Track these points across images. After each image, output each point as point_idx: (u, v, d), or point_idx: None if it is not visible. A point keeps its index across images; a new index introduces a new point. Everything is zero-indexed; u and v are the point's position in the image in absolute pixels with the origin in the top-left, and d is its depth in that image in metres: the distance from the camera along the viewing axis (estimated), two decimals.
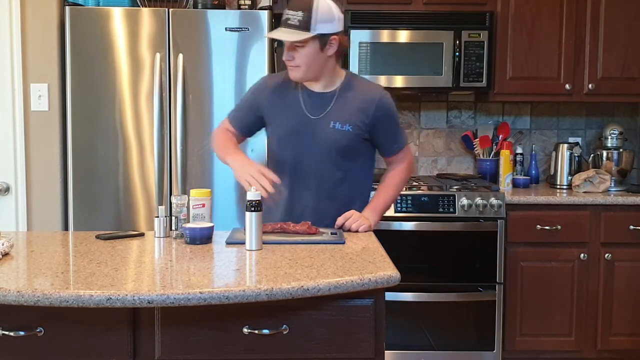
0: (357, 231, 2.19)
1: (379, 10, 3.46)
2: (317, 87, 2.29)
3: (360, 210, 2.30)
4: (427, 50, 3.47)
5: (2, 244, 1.80)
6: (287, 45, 2.20)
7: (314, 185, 2.29)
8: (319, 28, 2.16)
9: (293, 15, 2.14)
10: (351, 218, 2.22)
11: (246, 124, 2.39)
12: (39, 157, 3.16)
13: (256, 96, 2.36)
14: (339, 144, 2.25)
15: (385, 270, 1.68)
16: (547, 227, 3.28)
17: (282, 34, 2.17)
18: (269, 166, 2.30)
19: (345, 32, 2.32)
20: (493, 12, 3.50)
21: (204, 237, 2.00)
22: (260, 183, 2.04)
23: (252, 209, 1.90)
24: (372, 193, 2.41)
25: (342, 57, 2.29)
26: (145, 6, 3.12)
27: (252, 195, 1.93)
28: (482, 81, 3.49)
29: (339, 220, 2.22)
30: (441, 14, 3.47)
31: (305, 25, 2.15)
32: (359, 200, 2.36)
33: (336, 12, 2.20)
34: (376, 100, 2.27)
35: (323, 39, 2.19)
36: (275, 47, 3.30)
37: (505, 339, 3.33)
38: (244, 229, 1.93)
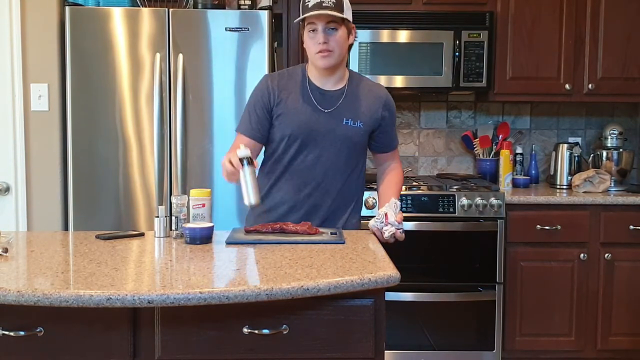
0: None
1: (379, 10, 3.46)
2: (327, 84, 2.26)
3: (356, 207, 2.35)
4: (427, 50, 3.47)
5: None
6: (321, 29, 2.14)
7: (324, 183, 2.27)
8: (347, 14, 2.17)
9: None
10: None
11: (264, 128, 2.27)
12: (39, 157, 3.16)
13: (264, 96, 2.26)
14: (352, 141, 2.26)
15: (385, 270, 1.68)
16: (546, 227, 3.28)
17: (323, 11, 2.11)
18: (270, 168, 2.31)
19: None
20: (493, 12, 3.50)
21: (204, 237, 2.00)
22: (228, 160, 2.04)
23: (245, 162, 1.97)
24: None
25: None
26: (145, 6, 3.11)
27: (241, 152, 1.99)
28: (482, 81, 3.49)
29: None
30: (441, 14, 3.47)
31: (339, 7, 2.14)
32: (357, 197, 2.37)
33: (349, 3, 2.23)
34: (384, 98, 2.31)
35: (348, 26, 2.20)
36: (275, 47, 3.30)
37: (505, 339, 3.33)
38: (242, 183, 1.98)
